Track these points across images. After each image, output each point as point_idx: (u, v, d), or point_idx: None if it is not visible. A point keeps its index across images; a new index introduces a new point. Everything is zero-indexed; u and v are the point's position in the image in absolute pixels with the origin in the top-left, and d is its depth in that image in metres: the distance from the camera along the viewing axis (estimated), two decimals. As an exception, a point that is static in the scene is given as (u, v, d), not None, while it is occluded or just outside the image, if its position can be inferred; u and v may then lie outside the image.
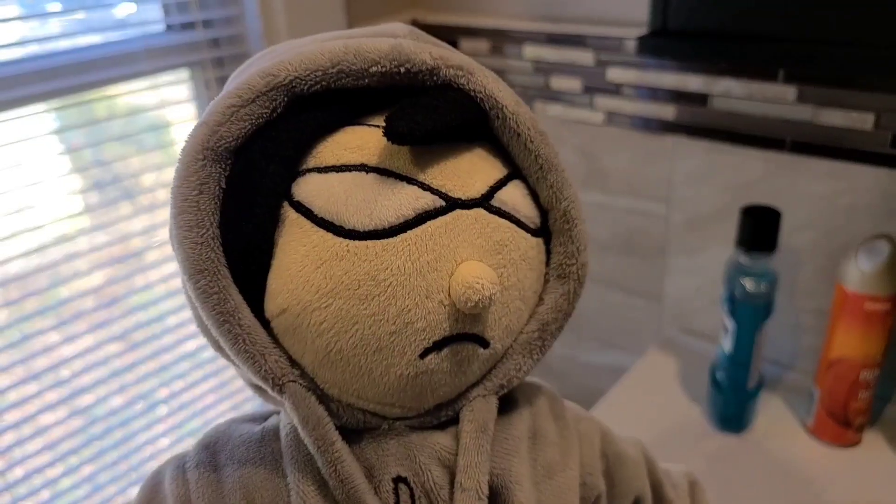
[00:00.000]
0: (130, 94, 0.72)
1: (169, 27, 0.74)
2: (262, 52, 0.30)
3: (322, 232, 0.25)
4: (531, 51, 0.81)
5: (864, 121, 0.63)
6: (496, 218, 0.27)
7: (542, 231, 0.30)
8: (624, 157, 0.79)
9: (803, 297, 0.72)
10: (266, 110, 0.25)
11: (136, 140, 0.74)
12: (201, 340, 0.82)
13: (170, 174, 0.75)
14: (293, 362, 0.27)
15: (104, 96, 0.70)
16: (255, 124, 0.26)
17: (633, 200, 0.80)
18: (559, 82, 0.80)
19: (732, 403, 0.68)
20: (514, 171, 0.29)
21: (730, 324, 0.66)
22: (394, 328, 0.26)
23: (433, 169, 0.26)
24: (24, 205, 0.64)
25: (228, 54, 0.77)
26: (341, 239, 0.25)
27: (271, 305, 0.26)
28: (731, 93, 0.69)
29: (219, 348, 0.29)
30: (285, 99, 0.26)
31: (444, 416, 0.29)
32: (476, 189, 0.27)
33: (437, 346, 0.26)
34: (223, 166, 0.26)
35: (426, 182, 0.26)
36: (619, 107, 0.77)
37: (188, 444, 0.82)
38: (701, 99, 0.71)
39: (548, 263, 0.30)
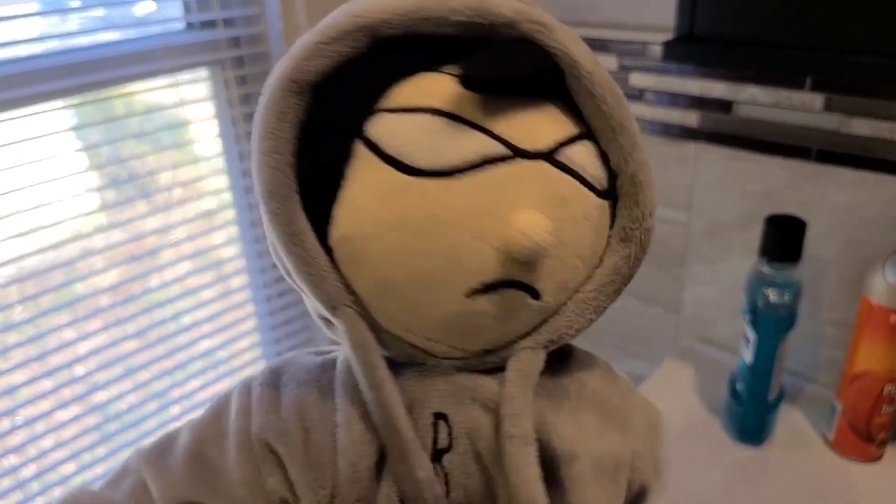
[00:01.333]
0: (149, 91, 0.71)
1: (189, 25, 0.74)
2: None
3: (388, 168, 0.26)
4: (552, 54, 0.80)
5: (892, 130, 0.62)
6: (560, 173, 0.27)
7: (610, 194, 0.29)
8: (644, 163, 0.78)
9: (826, 308, 0.71)
10: (349, 49, 0.26)
11: (154, 138, 0.73)
12: (216, 340, 0.82)
13: (187, 173, 0.75)
14: (350, 290, 0.29)
15: (123, 94, 0.70)
16: (338, 62, 0.27)
17: (652, 207, 0.79)
18: (580, 87, 0.80)
19: (752, 415, 0.67)
20: (586, 133, 0.29)
21: (751, 334, 0.65)
22: (444, 265, 0.26)
23: (502, 118, 0.26)
24: (40, 201, 0.64)
25: (248, 53, 0.76)
26: (405, 175, 0.26)
27: (335, 233, 0.28)
28: (757, 100, 0.68)
29: (288, 275, 0.30)
30: (368, 40, 0.27)
31: (490, 362, 0.30)
32: (543, 142, 0.27)
33: (487, 288, 0.27)
34: (304, 98, 0.27)
35: (493, 130, 0.26)
36: (641, 112, 0.76)
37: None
38: (725, 106, 0.70)
39: (612, 227, 0.30)
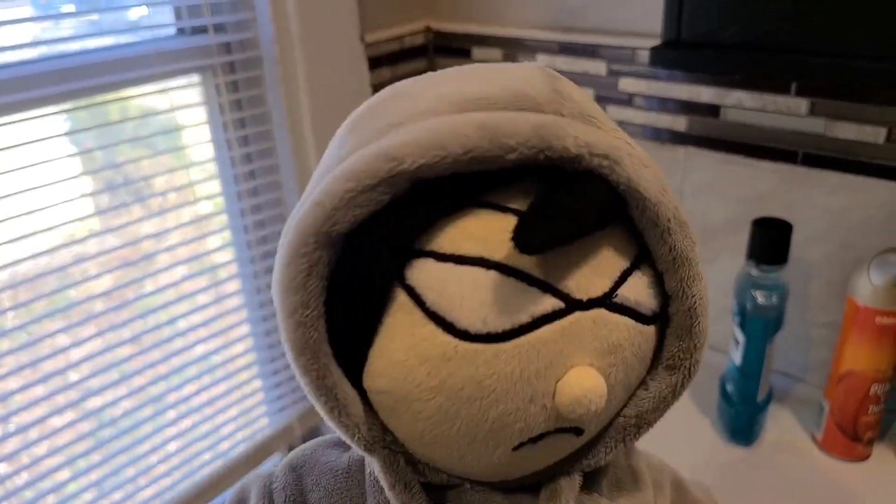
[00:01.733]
0: (142, 96, 0.72)
1: (180, 31, 0.74)
2: (387, 93, 0.28)
3: (432, 326, 0.24)
4: (544, 60, 0.81)
5: (876, 134, 0.63)
6: (615, 316, 0.25)
7: (659, 317, 0.27)
8: (634, 166, 0.79)
9: (814, 310, 0.72)
10: (386, 196, 0.24)
11: (147, 143, 0.74)
12: (211, 344, 0.82)
13: (180, 177, 0.75)
14: (386, 429, 0.27)
15: (116, 99, 0.70)
16: (373, 210, 0.24)
17: (642, 210, 0.80)
18: (570, 91, 0.80)
19: (742, 415, 0.68)
20: (643, 253, 0.26)
21: (740, 336, 0.66)
22: (493, 427, 0.25)
23: (558, 267, 0.24)
24: (34, 207, 0.64)
25: (240, 59, 0.77)
26: (451, 338, 0.24)
27: (371, 383, 0.26)
28: (743, 104, 0.69)
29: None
30: (408, 185, 0.24)
31: (528, 482, 0.29)
32: (599, 287, 0.25)
33: (533, 440, 0.26)
34: (334, 249, 0.24)
35: (548, 282, 0.24)
36: (630, 117, 0.77)
37: (196, 448, 0.82)
38: (713, 110, 0.71)
39: (660, 349, 0.28)
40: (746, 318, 0.64)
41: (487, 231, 0.24)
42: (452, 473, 0.29)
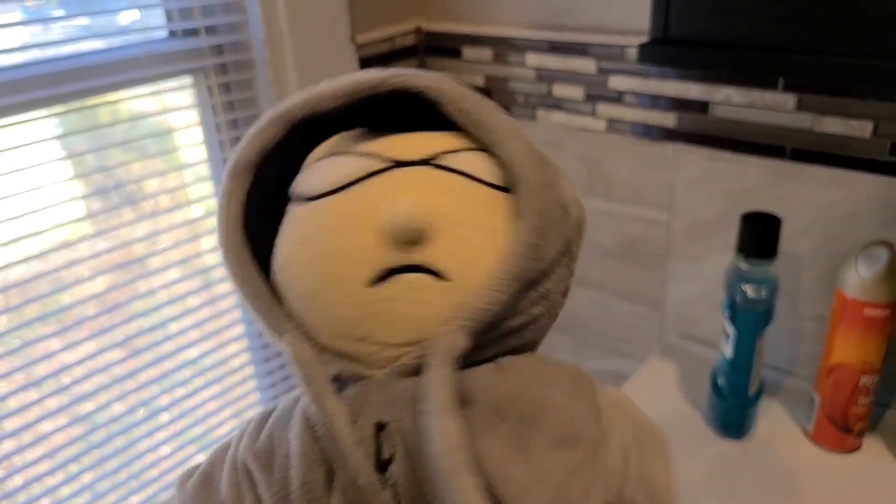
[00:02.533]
0: (133, 99, 0.72)
1: (172, 33, 0.74)
2: None
3: (298, 204, 0.33)
4: (534, 59, 0.82)
5: (862, 129, 0.64)
6: (441, 172, 0.31)
7: (509, 190, 0.32)
8: (626, 164, 0.79)
9: (804, 303, 0.73)
10: (272, 134, 0.33)
11: (139, 146, 0.74)
12: (203, 347, 0.82)
13: (172, 180, 0.76)
14: (291, 318, 0.33)
15: (107, 102, 0.70)
16: (265, 146, 0.33)
17: (635, 207, 0.81)
18: (562, 90, 0.81)
19: (733, 409, 0.69)
20: (477, 148, 0.33)
21: (730, 330, 0.66)
22: (340, 260, 0.30)
23: (382, 143, 0.33)
24: (25, 210, 0.64)
25: (232, 60, 0.77)
26: (304, 204, 0.32)
27: (273, 268, 0.33)
28: (732, 101, 0.69)
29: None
30: (285, 124, 0.33)
31: (419, 359, 0.29)
32: (421, 153, 0.32)
33: (385, 275, 0.30)
34: (247, 178, 0.33)
35: (373, 152, 0.32)
36: (621, 114, 0.78)
37: (189, 451, 0.82)
38: (702, 107, 0.72)
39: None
40: (737, 311, 0.65)
41: (337, 139, 0.35)
42: (347, 348, 0.31)
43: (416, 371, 0.30)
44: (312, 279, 0.31)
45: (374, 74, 0.33)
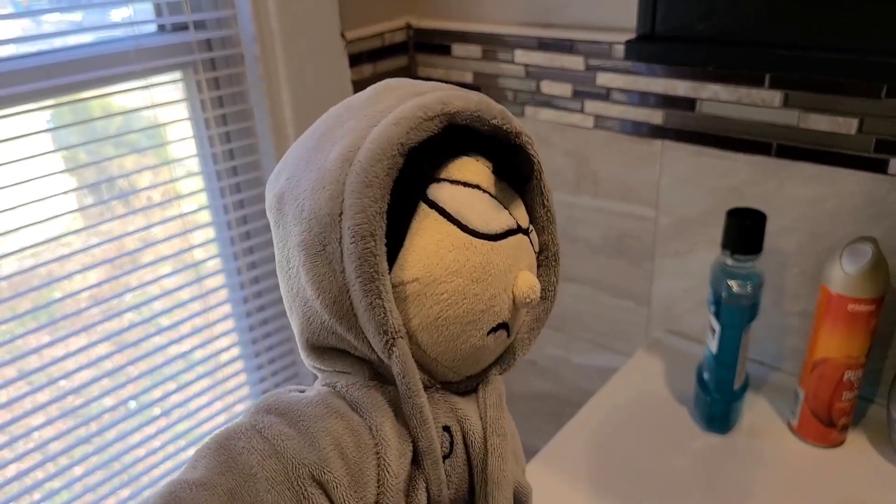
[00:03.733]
0: (122, 93, 0.72)
1: (161, 28, 0.74)
2: (366, 92, 0.38)
3: (453, 226, 0.34)
4: (522, 56, 0.82)
5: (848, 125, 0.64)
6: (531, 245, 0.37)
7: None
8: (613, 160, 0.80)
9: (788, 299, 0.73)
10: (437, 128, 0.33)
11: (129, 140, 0.74)
12: (194, 340, 0.82)
13: (162, 176, 0.76)
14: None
15: (96, 96, 0.70)
16: (429, 136, 0.33)
17: (622, 204, 0.81)
18: (550, 87, 0.81)
19: (718, 403, 0.69)
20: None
21: (716, 325, 0.67)
22: (484, 307, 0.34)
23: (511, 202, 0.36)
24: (16, 204, 0.64)
25: (221, 56, 0.77)
26: (466, 234, 0.34)
27: (403, 275, 0.33)
28: (719, 97, 0.70)
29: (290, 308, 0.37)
30: (447, 123, 0.34)
31: (470, 385, 0.38)
32: (525, 222, 0.37)
33: (496, 328, 0.35)
34: (402, 159, 0.33)
35: (509, 210, 0.36)
36: (608, 111, 0.78)
37: (180, 444, 0.82)
38: (689, 104, 0.72)
39: None
40: (722, 307, 0.65)
41: (479, 170, 0.35)
42: (436, 368, 0.36)
43: (464, 391, 0.38)
44: (458, 311, 0.34)
45: (514, 120, 0.36)
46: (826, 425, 0.66)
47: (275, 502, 0.31)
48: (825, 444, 0.67)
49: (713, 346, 0.67)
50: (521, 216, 0.37)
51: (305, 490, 0.32)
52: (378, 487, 0.34)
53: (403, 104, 0.34)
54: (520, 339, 0.40)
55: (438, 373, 0.37)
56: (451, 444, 0.36)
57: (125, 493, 0.79)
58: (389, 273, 0.33)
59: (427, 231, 0.33)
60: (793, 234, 0.71)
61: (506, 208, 0.36)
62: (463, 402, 0.37)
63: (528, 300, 0.35)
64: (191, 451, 0.83)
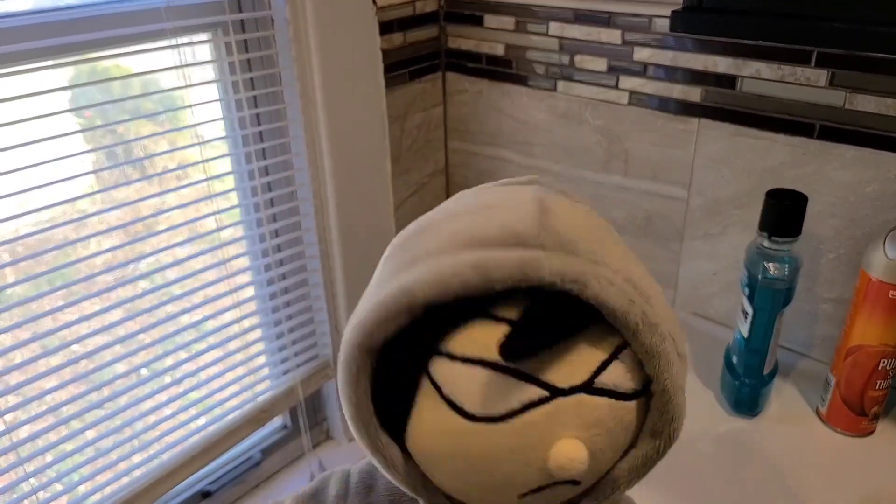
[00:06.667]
0: (150, 52, 0.70)
1: (191, -14, 0.72)
2: (414, 227, 0.36)
3: (448, 410, 0.32)
4: (557, 28, 0.80)
5: None
6: (595, 398, 0.32)
7: (643, 392, 0.33)
8: (646, 138, 0.78)
9: (823, 285, 0.72)
10: (407, 320, 0.32)
11: (154, 101, 0.72)
12: (205, 310, 0.80)
13: (186, 138, 0.74)
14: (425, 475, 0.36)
15: (121, 54, 0.68)
16: (399, 329, 0.32)
17: (652, 183, 0.80)
18: (584, 61, 0.80)
19: (747, 388, 0.68)
20: (622, 344, 0.32)
21: (749, 308, 0.65)
22: (497, 484, 0.32)
23: (544, 364, 0.31)
24: (30, 165, 0.62)
25: (251, 17, 0.75)
26: (462, 419, 0.31)
27: (411, 446, 0.34)
28: (761, 75, 0.68)
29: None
30: (420, 312, 0.32)
31: None
32: (578, 377, 0.31)
33: (535, 491, 0.33)
34: (374, 355, 0.33)
35: (534, 376, 0.31)
36: (644, 87, 0.76)
37: (192, 413, 0.81)
38: (729, 81, 0.70)
39: (646, 420, 0.34)
40: (757, 289, 0.64)
41: (487, 337, 0.31)
42: None
43: None
44: (468, 489, 0.34)
45: (543, 269, 0.30)
46: (857, 413, 0.65)
47: None
48: (854, 432, 0.66)
49: (745, 329, 0.66)
50: (569, 372, 0.31)
51: None
52: None
53: (385, 287, 0.33)
54: (612, 478, 0.35)
55: None
56: None
57: (137, 458, 0.78)
58: (405, 438, 0.34)
59: (425, 411, 0.33)
60: (830, 219, 0.69)
61: (532, 375, 0.31)
62: None
63: (565, 476, 0.31)
64: (202, 421, 0.83)
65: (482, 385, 0.31)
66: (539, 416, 0.31)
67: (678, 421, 0.34)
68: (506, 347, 0.30)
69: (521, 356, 0.31)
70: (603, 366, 0.32)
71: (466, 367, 0.31)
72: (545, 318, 0.31)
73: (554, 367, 0.31)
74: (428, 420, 0.33)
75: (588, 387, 0.31)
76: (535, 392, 0.31)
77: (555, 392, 0.31)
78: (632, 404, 0.33)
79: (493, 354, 0.31)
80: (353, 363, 0.33)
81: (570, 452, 0.31)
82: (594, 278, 0.31)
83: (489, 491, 0.33)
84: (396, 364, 0.33)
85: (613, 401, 0.32)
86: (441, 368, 0.32)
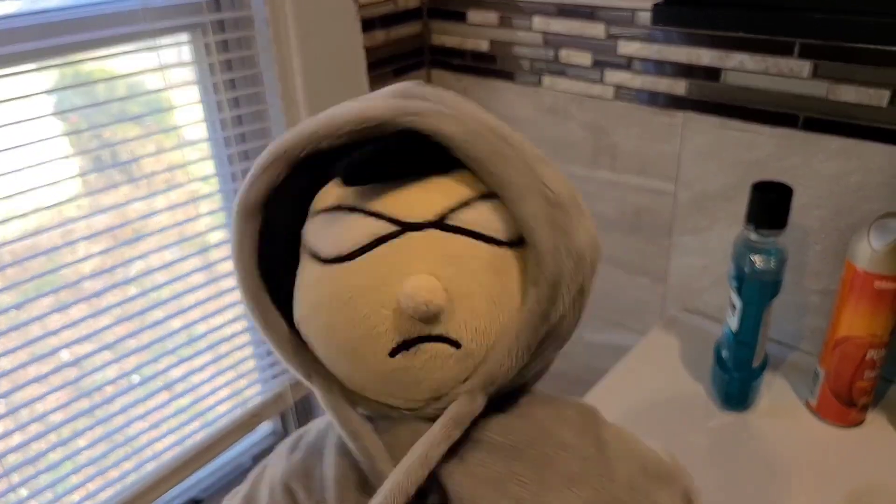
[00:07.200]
0: (129, 54, 0.69)
1: (169, -13, 0.72)
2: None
3: (311, 260, 0.33)
4: (541, 23, 0.79)
5: (879, 97, 0.62)
6: (451, 235, 0.31)
7: (519, 242, 0.32)
8: (633, 132, 0.78)
9: (810, 277, 0.72)
10: (273, 176, 0.33)
11: (133, 105, 0.71)
12: (193, 315, 0.80)
13: (167, 141, 0.73)
14: (318, 361, 0.35)
15: (101, 56, 0.67)
16: (270, 186, 0.33)
17: (640, 178, 0.79)
18: (569, 56, 0.79)
19: (736, 381, 0.68)
20: (488, 193, 0.32)
21: (737, 301, 0.65)
22: (361, 332, 0.31)
23: (389, 201, 0.31)
24: (13, 168, 0.62)
25: (230, 17, 0.74)
26: (319, 264, 0.32)
27: (294, 317, 0.34)
28: (745, 67, 0.68)
29: None
30: (286, 165, 0.33)
31: (442, 409, 0.33)
32: (430, 213, 0.31)
33: (404, 345, 0.31)
34: (257, 218, 0.34)
35: (382, 212, 0.31)
36: (629, 81, 0.76)
37: (182, 419, 0.81)
38: (713, 73, 0.70)
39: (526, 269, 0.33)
40: (744, 282, 0.64)
41: (338, 188, 0.33)
42: (375, 397, 0.34)
43: (437, 416, 0.33)
44: (334, 349, 0.33)
45: (381, 109, 0.31)
46: (846, 405, 0.65)
47: (267, 500, 0.38)
48: (844, 423, 0.66)
49: (733, 322, 0.66)
50: (421, 209, 0.31)
51: (284, 496, 0.37)
52: None
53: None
54: (504, 344, 0.32)
55: (386, 401, 0.34)
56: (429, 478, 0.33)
57: (127, 465, 0.77)
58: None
59: (300, 271, 0.34)
60: (816, 210, 0.69)
61: (379, 212, 0.31)
62: (427, 426, 0.33)
63: (412, 309, 0.29)
64: (192, 426, 0.82)
65: (334, 227, 0.32)
66: (388, 251, 0.31)
67: (552, 260, 0.31)
68: (345, 170, 0.31)
69: (359, 177, 0.31)
70: (460, 205, 0.31)
71: (324, 216, 0.33)
72: (387, 148, 0.31)
73: (406, 204, 0.31)
74: (300, 279, 0.33)
75: (440, 223, 0.31)
76: (382, 225, 0.31)
77: (404, 227, 0.31)
78: (500, 250, 0.32)
79: (346, 200, 0.32)
80: (236, 226, 0.34)
81: (417, 281, 0.29)
82: (434, 114, 0.31)
83: (356, 354, 0.32)
84: (279, 231, 0.34)
85: (472, 240, 0.31)
86: (309, 226, 0.34)
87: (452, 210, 0.31)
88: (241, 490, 0.41)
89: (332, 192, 0.33)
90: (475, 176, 0.32)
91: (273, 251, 0.34)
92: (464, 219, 0.31)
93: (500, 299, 0.32)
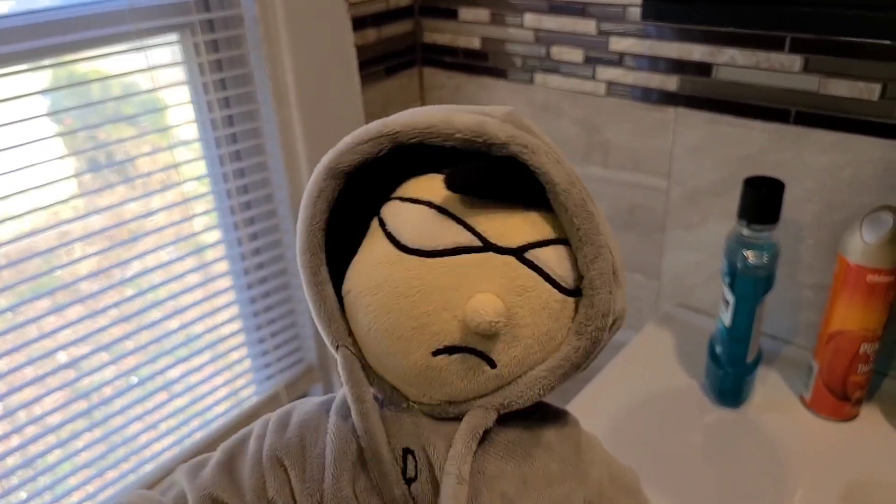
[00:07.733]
0: (116, 55, 0.69)
1: (157, -13, 0.71)
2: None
3: (386, 242, 0.34)
4: (532, 20, 0.79)
5: (870, 91, 0.62)
6: (525, 268, 0.33)
7: (578, 293, 0.34)
8: (625, 129, 0.78)
9: (803, 271, 0.72)
10: (375, 149, 0.34)
11: (125, 104, 0.71)
12: (188, 316, 0.80)
13: (157, 141, 0.73)
14: (351, 334, 0.36)
15: (88, 58, 0.67)
16: (366, 158, 0.34)
17: (633, 174, 0.79)
18: (560, 52, 0.79)
19: (731, 377, 0.68)
20: (565, 239, 0.34)
21: (730, 297, 0.65)
22: (415, 324, 0.33)
23: (483, 217, 0.33)
24: (8, 170, 0.62)
25: (220, 17, 0.74)
26: (396, 249, 0.33)
27: (344, 286, 0.35)
28: (736, 62, 0.68)
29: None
30: (390, 144, 0.34)
31: (451, 413, 0.35)
32: (515, 241, 0.33)
33: (448, 350, 0.33)
34: (339, 182, 0.35)
35: (472, 225, 0.33)
36: (621, 77, 0.76)
37: (179, 419, 0.81)
38: (704, 69, 0.70)
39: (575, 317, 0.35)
40: (737, 278, 0.64)
41: (437, 186, 0.34)
42: (392, 381, 0.36)
43: (444, 418, 0.35)
44: (387, 325, 0.33)
45: (498, 130, 0.32)
46: (840, 399, 0.65)
47: (251, 470, 0.37)
48: (838, 417, 0.66)
49: (726, 318, 0.66)
50: (506, 235, 0.32)
51: (272, 469, 0.36)
52: (321, 486, 0.35)
53: (368, 124, 0.35)
54: (531, 377, 0.34)
55: (403, 390, 0.36)
56: (416, 468, 0.35)
57: (125, 466, 0.77)
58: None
59: (369, 247, 0.35)
60: (808, 204, 0.69)
61: (470, 224, 0.32)
62: (435, 427, 0.35)
63: (475, 322, 0.31)
64: (193, 424, 0.82)
65: (420, 221, 0.33)
66: (467, 262, 0.32)
67: (603, 319, 0.33)
68: (452, 175, 0.32)
69: (464, 187, 0.33)
70: (540, 243, 0.33)
71: (411, 205, 0.34)
72: (494, 168, 0.33)
73: (493, 225, 0.33)
74: (367, 255, 0.34)
75: (520, 253, 0.33)
76: (469, 238, 0.32)
77: (487, 245, 0.32)
78: (561, 296, 0.33)
79: (439, 200, 0.33)
80: (318, 182, 0.35)
81: (487, 300, 0.31)
82: (544, 153, 0.32)
83: (401, 341, 0.33)
84: (355, 203, 0.35)
85: (541, 279, 0.33)
86: (390, 208, 0.35)
87: (533, 245, 0.33)
88: (213, 458, 0.40)
89: (423, 186, 0.34)
90: (557, 218, 0.33)
91: (338, 217, 0.35)
92: (540, 257, 0.33)
93: (544, 339, 0.34)
